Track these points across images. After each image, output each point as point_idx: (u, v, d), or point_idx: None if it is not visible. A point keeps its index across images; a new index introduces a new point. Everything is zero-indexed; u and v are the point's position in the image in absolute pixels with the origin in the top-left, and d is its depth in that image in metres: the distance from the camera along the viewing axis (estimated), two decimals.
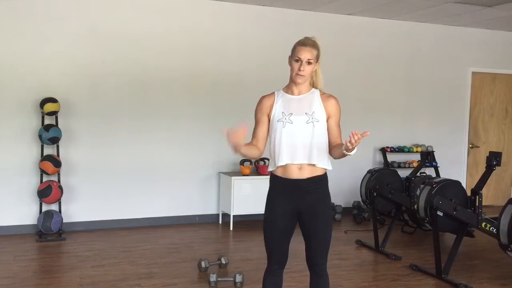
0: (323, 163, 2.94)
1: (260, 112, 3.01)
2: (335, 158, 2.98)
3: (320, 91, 3.01)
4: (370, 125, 7.46)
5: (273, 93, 3.04)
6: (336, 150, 2.94)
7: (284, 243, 3.01)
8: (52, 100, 5.81)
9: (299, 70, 2.89)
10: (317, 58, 2.95)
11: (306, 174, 2.91)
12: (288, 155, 2.89)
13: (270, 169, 3.02)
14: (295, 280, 4.39)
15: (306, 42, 2.93)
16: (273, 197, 3.00)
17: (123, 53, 6.26)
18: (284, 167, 2.92)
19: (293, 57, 2.93)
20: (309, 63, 2.90)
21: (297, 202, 2.93)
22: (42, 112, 5.82)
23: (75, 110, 6.11)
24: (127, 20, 6.25)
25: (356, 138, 2.67)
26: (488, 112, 8.34)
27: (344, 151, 2.77)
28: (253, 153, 2.98)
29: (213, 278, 4.28)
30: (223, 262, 4.79)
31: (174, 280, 4.47)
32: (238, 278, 4.28)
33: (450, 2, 6.38)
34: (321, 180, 2.97)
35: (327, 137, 2.97)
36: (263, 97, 3.04)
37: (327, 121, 2.97)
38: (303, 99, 2.96)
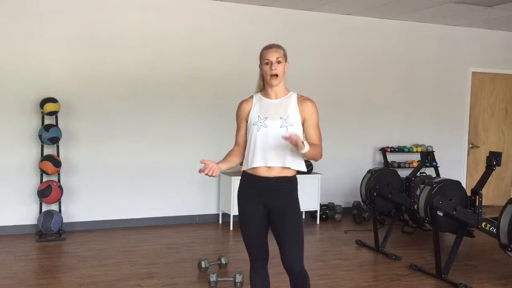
0: (297, 165, 2.99)
1: (239, 118, 3.11)
2: (306, 158, 2.97)
3: (298, 94, 3.07)
4: (370, 125, 7.49)
5: (251, 97, 3.12)
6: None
7: (261, 237, 3.07)
8: (52, 100, 5.81)
9: (271, 70, 2.94)
10: (285, 57, 3.02)
11: (274, 173, 2.96)
12: (261, 158, 2.95)
13: (244, 169, 3.07)
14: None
15: (270, 45, 3.03)
16: (243, 195, 3.08)
17: (123, 53, 6.26)
18: (255, 168, 2.98)
19: (263, 62, 2.99)
20: (279, 62, 2.96)
21: (265, 199, 2.99)
22: (42, 112, 5.82)
23: (75, 110, 6.11)
24: (127, 20, 6.25)
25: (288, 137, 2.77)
26: (488, 112, 8.34)
27: (299, 151, 2.84)
28: (232, 164, 3.11)
29: (213, 278, 4.28)
30: (223, 262, 4.79)
31: (174, 280, 4.47)
32: (238, 278, 4.28)
33: (450, 2, 6.38)
34: (289, 181, 3.00)
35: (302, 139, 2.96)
36: (242, 102, 3.13)
37: (303, 124, 3.01)
38: (280, 103, 3.01)
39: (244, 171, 3.08)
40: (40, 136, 5.78)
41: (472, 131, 8.23)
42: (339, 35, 7.21)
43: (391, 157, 7.61)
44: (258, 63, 3.03)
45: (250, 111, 3.04)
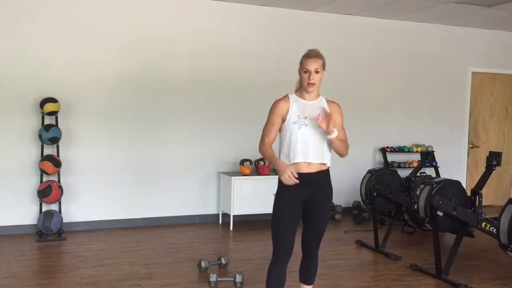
0: (329, 160, 3.33)
1: (275, 115, 3.28)
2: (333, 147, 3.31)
3: (325, 98, 3.37)
4: (370, 125, 7.49)
5: (287, 96, 3.32)
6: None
7: (293, 230, 3.24)
8: (52, 100, 5.81)
9: (309, 79, 3.21)
10: (323, 66, 3.27)
11: (314, 169, 3.24)
12: (302, 154, 3.21)
13: None
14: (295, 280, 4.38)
15: (311, 54, 3.24)
16: (284, 188, 3.22)
17: (123, 53, 6.26)
18: (296, 163, 3.21)
19: (302, 69, 3.25)
20: (316, 72, 3.22)
21: (305, 191, 3.22)
22: (42, 112, 5.82)
23: (75, 110, 6.11)
24: (127, 19, 6.25)
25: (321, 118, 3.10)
26: (488, 112, 8.34)
27: (327, 137, 3.19)
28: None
29: (213, 278, 4.28)
30: (223, 262, 4.79)
31: (174, 280, 4.47)
32: (238, 278, 4.28)
33: (450, 2, 6.38)
34: (327, 174, 3.32)
35: None
36: (279, 100, 3.30)
37: None
38: (314, 105, 3.30)
39: None
40: (40, 136, 5.78)
41: (472, 131, 8.23)
42: (339, 35, 7.20)
43: (391, 157, 7.61)
44: (298, 67, 3.28)
45: (288, 110, 3.25)
